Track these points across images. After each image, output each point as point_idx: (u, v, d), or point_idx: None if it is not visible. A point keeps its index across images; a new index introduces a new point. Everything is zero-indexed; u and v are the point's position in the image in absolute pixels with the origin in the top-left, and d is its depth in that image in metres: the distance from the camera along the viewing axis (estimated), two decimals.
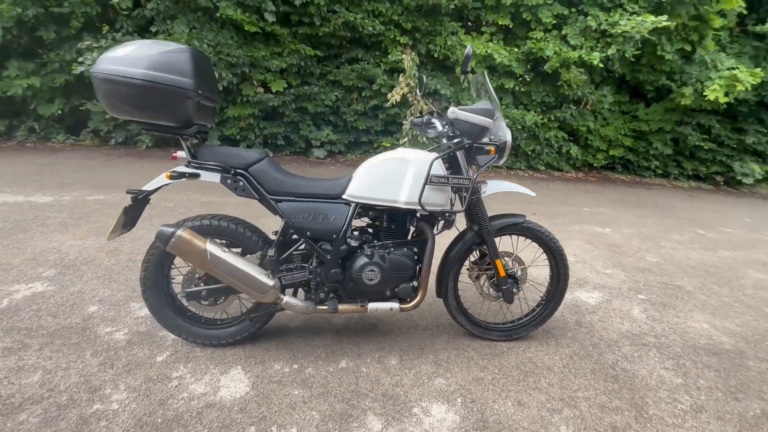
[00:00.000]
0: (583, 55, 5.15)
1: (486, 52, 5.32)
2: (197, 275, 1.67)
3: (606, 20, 5.12)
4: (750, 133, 6.91)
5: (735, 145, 6.99)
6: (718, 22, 5.68)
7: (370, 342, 1.91)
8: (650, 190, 6.56)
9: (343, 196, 1.66)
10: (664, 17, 4.75)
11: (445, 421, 1.48)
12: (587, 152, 6.85)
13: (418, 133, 2.13)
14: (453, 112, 1.56)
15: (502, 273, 1.84)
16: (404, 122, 5.51)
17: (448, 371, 1.76)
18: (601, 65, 5.27)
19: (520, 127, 5.87)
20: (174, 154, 1.58)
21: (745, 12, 6.07)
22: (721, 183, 7.46)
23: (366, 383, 1.64)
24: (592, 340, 2.09)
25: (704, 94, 5.67)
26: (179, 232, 1.44)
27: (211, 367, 1.65)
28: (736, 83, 5.45)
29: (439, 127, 1.84)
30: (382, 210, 1.71)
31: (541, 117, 5.93)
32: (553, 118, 6.09)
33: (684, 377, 1.87)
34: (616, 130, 6.77)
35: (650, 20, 4.75)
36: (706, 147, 6.89)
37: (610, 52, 5.11)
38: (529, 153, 6.40)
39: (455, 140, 1.69)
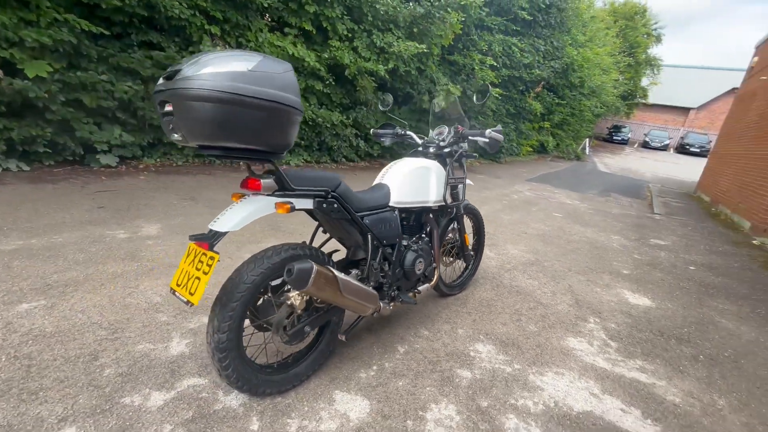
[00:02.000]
0: (371, 66, 6.32)
1: (297, 54, 5.59)
2: (286, 314, 1.49)
3: (383, 40, 6.46)
4: None
5: None
6: (436, 51, 8.20)
7: (397, 327, 2.21)
8: None
9: (390, 204, 1.88)
10: (424, 45, 6.55)
11: (491, 352, 2.10)
12: (368, 145, 8.37)
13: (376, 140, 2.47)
14: (489, 132, 2.08)
15: (468, 243, 2.56)
16: None
17: (457, 324, 2.34)
18: (388, 76, 6.64)
19: (329, 125, 6.55)
20: (258, 182, 1.34)
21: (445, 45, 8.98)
22: None
23: (430, 354, 2.01)
24: (491, 276, 3.16)
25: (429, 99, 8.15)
26: (315, 266, 1.32)
27: (314, 403, 1.57)
28: (451, 94, 8.16)
29: (417, 140, 2.32)
30: (412, 210, 2.04)
31: (343, 117, 6.81)
32: (349, 118, 7.11)
33: (536, 281, 3.21)
34: None
35: (414, 46, 6.44)
36: None
37: (390, 65, 6.52)
38: (333, 147, 7.21)
39: (447, 149, 2.22)
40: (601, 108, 19.16)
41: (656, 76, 24.61)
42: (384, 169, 2.04)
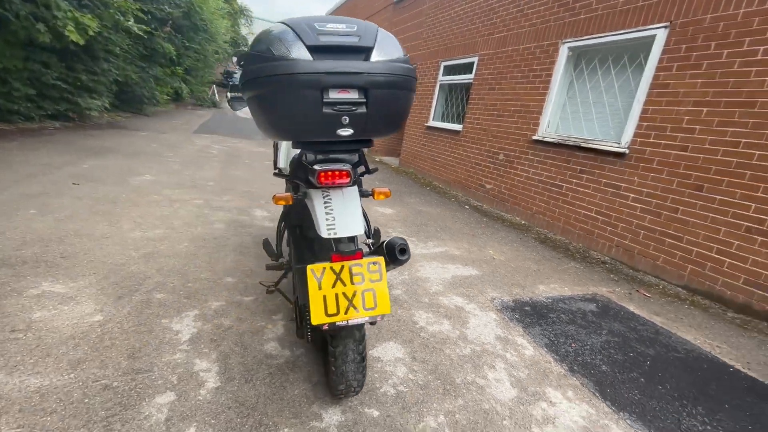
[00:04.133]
0: None
1: None
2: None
3: None
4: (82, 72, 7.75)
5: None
6: None
7: None
8: (54, 135, 6.17)
9: None
10: None
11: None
12: None
13: None
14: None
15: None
16: None
17: None
18: None
19: None
20: (347, 173, 1.19)
21: None
22: (75, 119, 8.07)
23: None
24: None
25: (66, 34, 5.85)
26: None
27: (375, 366, 1.70)
28: (88, 27, 6.10)
29: None
30: None
31: None
32: None
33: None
34: None
35: None
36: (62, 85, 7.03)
37: None
38: None
39: None
40: (218, 54, 19.66)
41: (251, 26, 27.46)
42: None
